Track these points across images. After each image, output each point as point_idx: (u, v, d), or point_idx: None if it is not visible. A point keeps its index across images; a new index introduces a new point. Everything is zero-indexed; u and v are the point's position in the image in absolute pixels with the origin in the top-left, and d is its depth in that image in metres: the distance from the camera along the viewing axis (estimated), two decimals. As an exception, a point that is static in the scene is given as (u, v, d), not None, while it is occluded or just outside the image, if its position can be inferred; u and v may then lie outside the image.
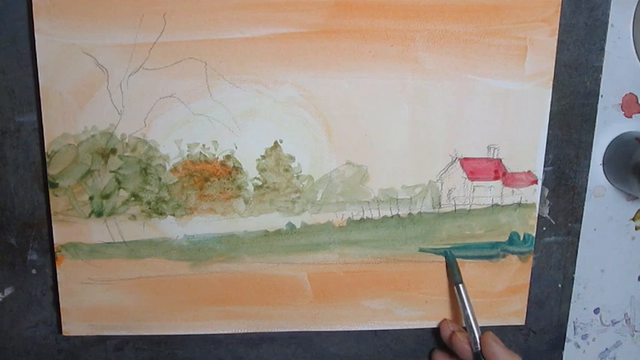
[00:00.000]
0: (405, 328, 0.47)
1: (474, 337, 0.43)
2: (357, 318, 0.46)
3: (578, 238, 0.47)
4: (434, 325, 0.47)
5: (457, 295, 0.44)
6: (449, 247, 0.45)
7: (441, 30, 0.41)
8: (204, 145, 0.42)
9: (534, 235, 0.46)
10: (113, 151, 0.42)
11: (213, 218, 0.43)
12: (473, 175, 0.44)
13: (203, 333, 0.46)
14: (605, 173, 0.47)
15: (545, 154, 0.45)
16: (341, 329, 0.46)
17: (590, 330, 0.51)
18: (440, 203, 0.45)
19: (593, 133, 0.45)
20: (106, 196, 0.42)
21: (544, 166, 0.45)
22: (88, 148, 0.42)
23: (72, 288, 0.44)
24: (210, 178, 0.43)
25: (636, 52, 0.45)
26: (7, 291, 0.44)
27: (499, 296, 0.47)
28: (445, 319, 0.46)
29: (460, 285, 0.44)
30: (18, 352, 0.45)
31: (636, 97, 0.46)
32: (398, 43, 0.41)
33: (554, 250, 0.47)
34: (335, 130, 0.43)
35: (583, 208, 0.47)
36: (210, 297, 0.45)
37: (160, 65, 0.41)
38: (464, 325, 0.44)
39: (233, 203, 0.43)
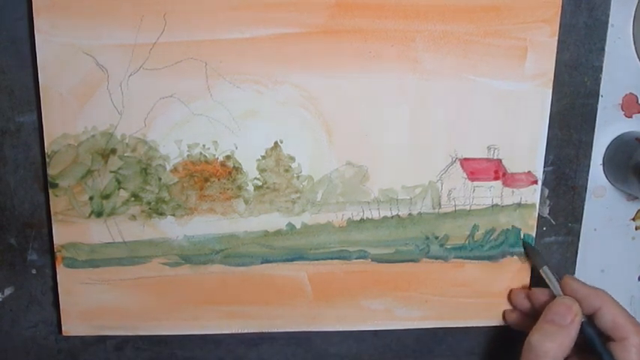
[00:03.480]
0: (405, 328, 0.47)
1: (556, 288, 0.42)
2: (357, 318, 0.46)
3: (578, 238, 0.47)
4: (434, 325, 0.47)
5: (545, 277, 0.43)
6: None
7: (441, 30, 0.41)
8: (204, 146, 0.42)
9: (534, 235, 0.46)
10: (113, 151, 0.42)
11: (213, 218, 0.43)
12: (473, 175, 0.44)
13: (203, 333, 0.46)
14: (605, 173, 0.47)
15: (545, 154, 0.45)
16: (341, 329, 0.46)
17: (590, 330, 0.50)
18: (440, 203, 0.45)
19: (593, 133, 0.45)
20: (106, 196, 0.42)
21: (544, 166, 0.45)
22: (88, 148, 0.41)
23: (72, 288, 0.44)
24: (211, 178, 0.43)
25: (636, 52, 0.45)
26: (7, 291, 0.44)
27: (499, 296, 0.47)
28: (513, 290, 0.46)
29: (544, 267, 0.43)
30: (18, 352, 0.45)
31: (636, 97, 0.46)
32: (398, 44, 0.41)
33: (554, 250, 0.47)
34: (335, 130, 0.43)
35: (583, 208, 0.47)
36: (210, 297, 0.45)
37: (160, 65, 0.41)
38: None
39: (233, 203, 0.43)
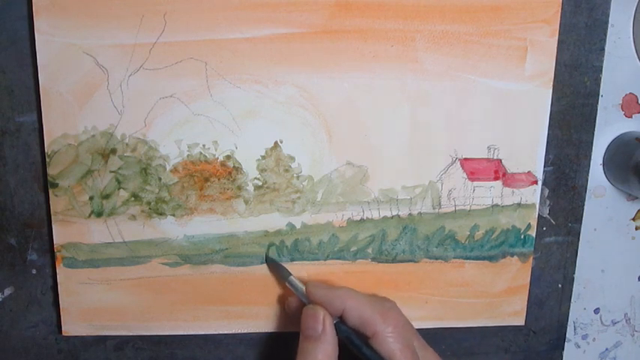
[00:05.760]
0: (405, 328, 0.47)
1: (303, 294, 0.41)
2: (357, 318, 0.46)
3: (578, 238, 0.47)
4: (434, 325, 0.47)
5: (291, 288, 0.42)
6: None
7: (441, 30, 0.41)
8: (204, 146, 0.42)
9: (534, 235, 0.46)
10: (113, 151, 0.42)
11: (213, 218, 0.43)
12: (473, 175, 0.44)
13: (203, 333, 0.46)
14: (605, 173, 0.47)
15: (545, 154, 0.45)
16: (341, 329, 0.46)
17: (590, 330, 0.51)
18: (440, 204, 0.45)
19: (593, 133, 0.45)
20: (106, 196, 0.42)
21: (544, 166, 0.45)
22: (88, 148, 0.41)
23: (72, 288, 0.44)
24: (211, 178, 0.43)
25: (636, 52, 0.45)
26: (7, 291, 0.44)
27: (499, 296, 0.47)
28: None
29: (290, 277, 0.43)
30: (18, 352, 0.45)
31: (636, 97, 0.46)
32: (398, 44, 0.41)
33: (554, 250, 0.47)
34: (335, 130, 0.43)
35: (583, 208, 0.47)
36: (210, 297, 0.45)
37: (160, 65, 0.41)
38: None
39: (233, 203, 0.43)
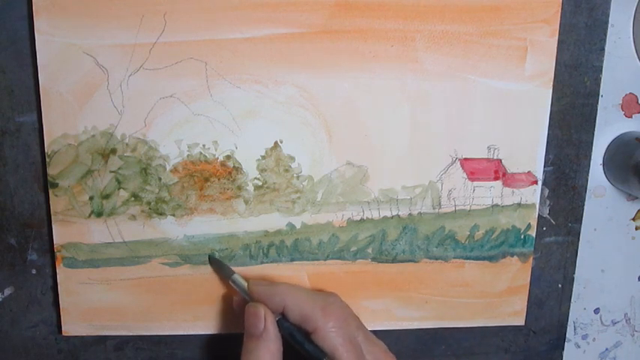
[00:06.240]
0: (405, 328, 0.47)
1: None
2: (357, 318, 0.46)
3: (578, 238, 0.47)
4: (434, 325, 0.47)
5: (235, 287, 0.42)
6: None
7: (441, 30, 0.41)
8: (204, 146, 0.42)
9: (534, 235, 0.46)
10: (113, 151, 0.42)
11: (213, 218, 0.43)
12: (473, 175, 0.44)
13: (203, 333, 0.46)
14: (605, 173, 0.47)
15: (545, 154, 0.45)
16: (341, 329, 0.46)
17: (590, 330, 0.51)
18: (440, 203, 0.45)
19: (593, 133, 0.45)
20: (106, 196, 0.42)
21: (544, 166, 0.45)
22: (88, 148, 0.41)
23: (72, 288, 0.44)
24: (211, 178, 0.43)
25: (636, 52, 0.45)
26: (7, 291, 0.44)
27: (499, 296, 0.47)
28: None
29: (234, 275, 0.42)
30: (18, 352, 0.45)
31: (636, 97, 0.46)
32: (398, 44, 0.41)
33: (554, 250, 0.47)
34: (335, 130, 0.43)
35: (583, 208, 0.47)
36: (210, 297, 0.45)
37: (160, 65, 0.41)
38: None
39: (233, 203, 0.43)
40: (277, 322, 0.39)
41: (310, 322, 0.38)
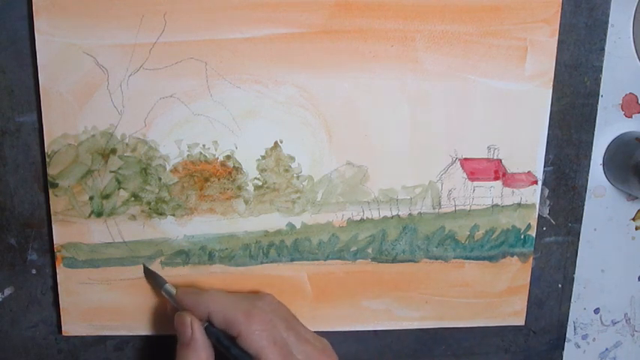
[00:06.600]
0: (405, 328, 0.47)
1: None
2: (357, 318, 0.46)
3: (578, 238, 0.47)
4: (434, 325, 0.47)
5: (166, 296, 0.42)
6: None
7: (441, 30, 0.41)
8: (204, 146, 0.42)
9: (534, 235, 0.46)
10: (113, 151, 0.42)
11: (213, 218, 0.43)
12: (473, 175, 0.44)
13: (203, 333, 0.46)
14: (605, 173, 0.47)
15: (545, 154, 0.45)
16: (341, 329, 0.46)
17: (590, 330, 0.51)
18: (440, 203, 0.45)
19: (593, 133, 0.45)
20: (106, 196, 0.42)
21: (544, 166, 0.45)
22: (88, 148, 0.41)
23: (72, 288, 0.44)
24: (211, 178, 0.43)
25: (636, 52, 0.45)
26: (7, 291, 0.44)
27: (499, 296, 0.47)
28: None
29: (165, 285, 0.42)
30: (18, 352, 0.45)
31: (636, 97, 0.46)
32: (398, 44, 0.41)
33: (554, 250, 0.47)
34: (335, 130, 0.43)
35: (583, 208, 0.47)
36: (210, 297, 0.45)
37: (160, 65, 0.41)
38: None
39: (233, 203, 0.43)
40: (205, 328, 0.39)
41: (234, 327, 0.38)
